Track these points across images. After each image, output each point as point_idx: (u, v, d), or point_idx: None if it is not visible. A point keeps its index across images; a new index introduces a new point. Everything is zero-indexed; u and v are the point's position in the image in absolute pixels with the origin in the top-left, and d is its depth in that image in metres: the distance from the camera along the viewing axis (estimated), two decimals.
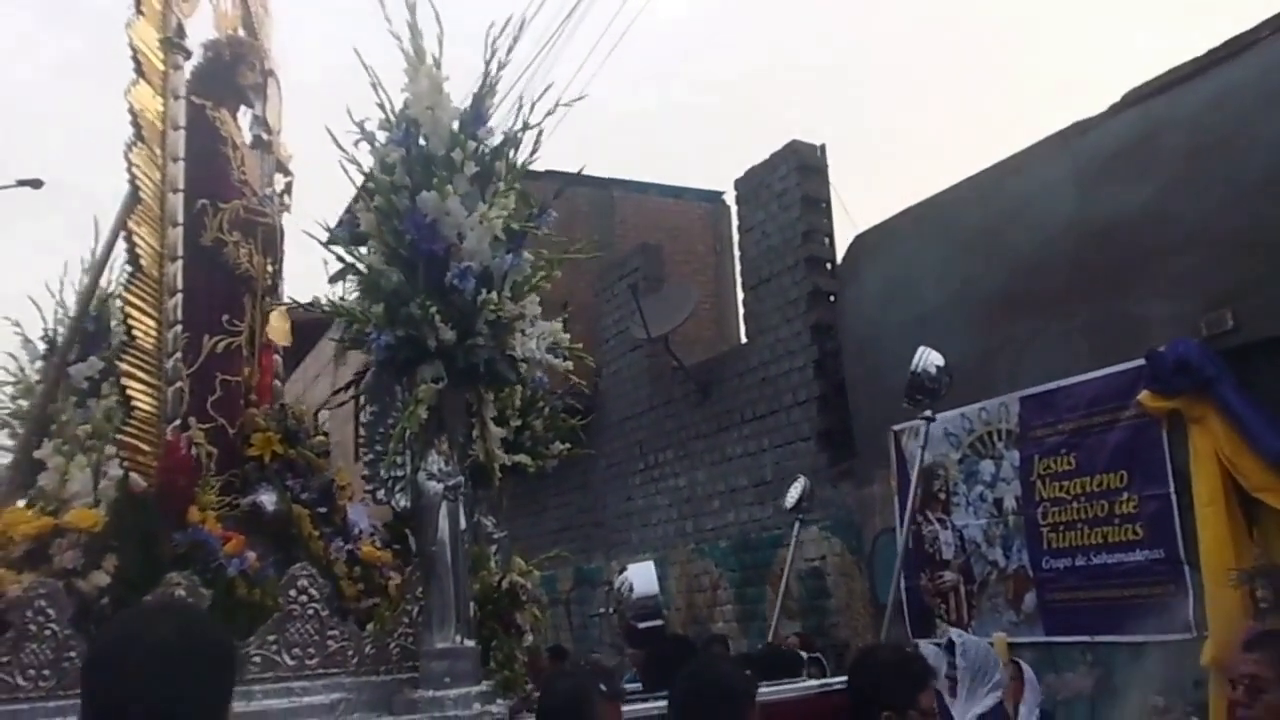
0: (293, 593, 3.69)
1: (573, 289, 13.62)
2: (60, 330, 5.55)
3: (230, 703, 1.61)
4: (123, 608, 3.48)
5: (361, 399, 4.31)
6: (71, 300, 5.54)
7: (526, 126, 3.54)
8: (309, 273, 4.29)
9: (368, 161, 3.57)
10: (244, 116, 5.11)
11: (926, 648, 5.72)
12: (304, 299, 4.41)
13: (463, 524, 3.55)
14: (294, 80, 5.35)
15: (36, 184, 16.60)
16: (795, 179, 10.93)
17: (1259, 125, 6.60)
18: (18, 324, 5.87)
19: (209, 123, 4.66)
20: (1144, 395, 6.87)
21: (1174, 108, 7.19)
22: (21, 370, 5.89)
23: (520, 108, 3.53)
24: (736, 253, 12.12)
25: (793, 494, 8.60)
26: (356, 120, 3.48)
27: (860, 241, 10.08)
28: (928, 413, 5.95)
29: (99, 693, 1.57)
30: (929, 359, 5.88)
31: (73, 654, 3.48)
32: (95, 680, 1.59)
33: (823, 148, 11.15)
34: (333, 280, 3.79)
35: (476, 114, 3.51)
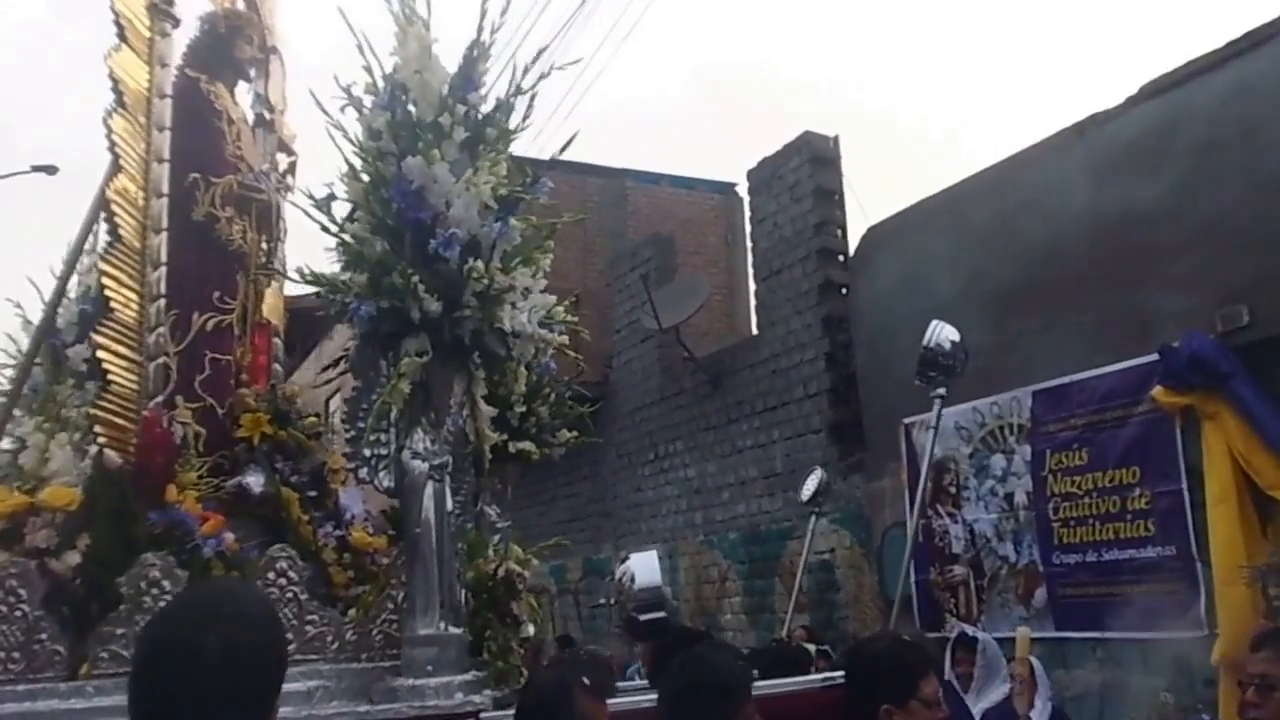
0: (271, 575, 3.57)
1: (584, 279, 13.57)
2: (58, 311, 5.47)
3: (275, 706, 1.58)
4: (96, 589, 3.40)
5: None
6: (72, 282, 5.47)
7: (520, 91, 3.41)
8: (316, 257, 4.18)
9: (356, 129, 3.45)
10: (246, 94, 5.02)
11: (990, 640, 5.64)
12: (295, 269, 4.26)
13: (449, 505, 3.41)
14: (297, 62, 5.25)
15: (51, 170, 16.62)
16: (808, 170, 10.82)
17: (1277, 119, 6.47)
18: (19, 305, 5.81)
19: (203, 96, 4.56)
20: (1157, 391, 6.78)
21: (1191, 101, 7.08)
22: (20, 352, 5.83)
23: (514, 72, 3.40)
24: (748, 244, 12.04)
25: (809, 486, 8.48)
26: (343, 85, 3.36)
27: (873, 234, 9.98)
28: (941, 391, 5.71)
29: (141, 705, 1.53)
30: (942, 333, 5.62)
31: (43, 636, 3.40)
32: (138, 691, 1.54)
33: (836, 139, 11.05)
34: (344, 268, 3.68)
35: (467, 78, 3.38)
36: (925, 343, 5.62)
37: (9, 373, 5.84)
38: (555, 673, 2.75)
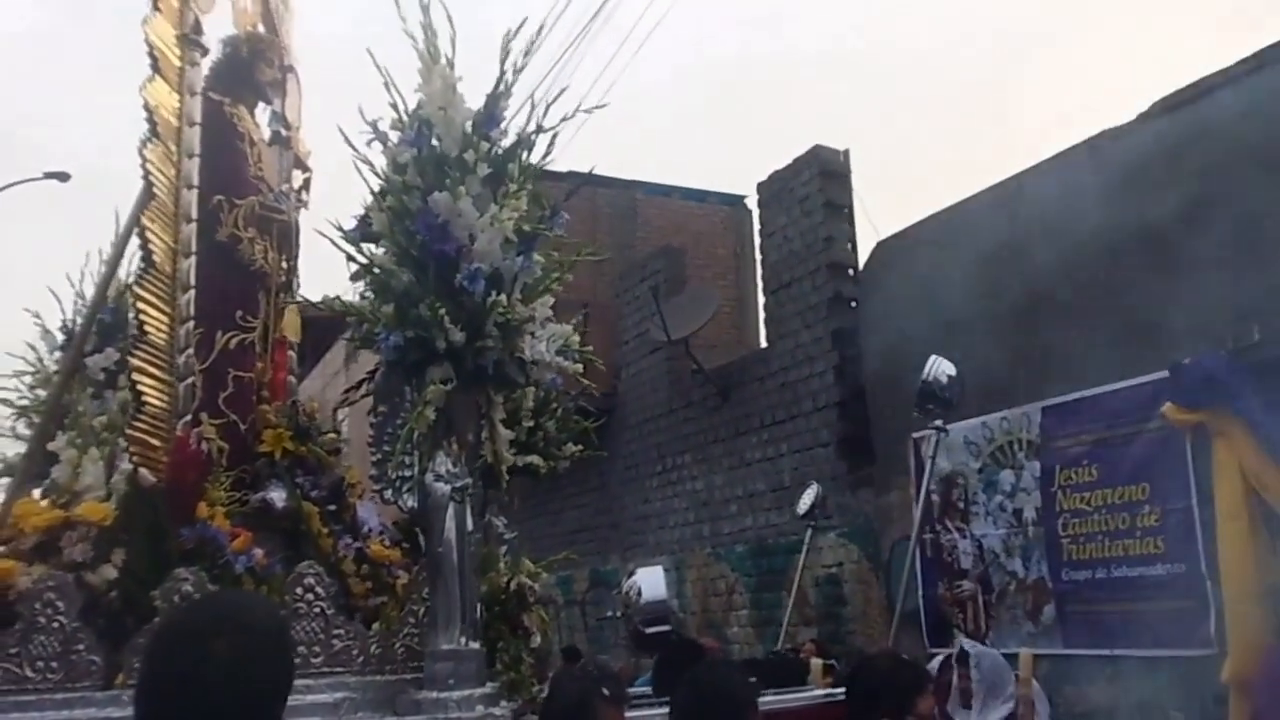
0: (299, 590, 3.69)
1: (594, 290, 13.65)
2: (79, 321, 5.57)
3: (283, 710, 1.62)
4: (131, 602, 3.51)
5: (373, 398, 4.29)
6: (91, 291, 5.56)
7: (540, 129, 3.53)
8: (332, 271, 4.30)
9: (381, 161, 3.57)
10: (263, 113, 5.12)
11: (987, 653, 5.68)
12: (323, 297, 4.37)
13: (470, 526, 3.54)
14: (314, 78, 5.35)
15: (64, 177, 16.82)
16: (818, 184, 10.87)
17: None
18: (37, 315, 5.91)
19: (226, 119, 4.67)
20: (1168, 408, 6.75)
21: (1204, 117, 7.10)
22: (40, 361, 5.93)
23: (533, 109, 3.51)
24: (758, 257, 12.08)
25: (805, 501, 8.57)
26: (369, 120, 3.47)
27: (883, 248, 10.03)
28: (938, 422, 5.86)
29: (148, 709, 1.57)
30: (940, 368, 5.80)
31: (80, 647, 3.51)
32: (146, 695, 1.58)
33: (846, 153, 11.10)
34: (353, 279, 3.79)
35: (490, 115, 3.50)
36: (924, 377, 5.77)
37: (27, 380, 5.95)
38: (577, 683, 2.86)
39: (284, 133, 5.09)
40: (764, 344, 12.14)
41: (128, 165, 4.53)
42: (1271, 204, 6.52)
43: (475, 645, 3.53)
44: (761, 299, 12.04)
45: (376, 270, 3.46)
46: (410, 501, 3.60)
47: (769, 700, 3.03)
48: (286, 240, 4.85)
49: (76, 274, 5.79)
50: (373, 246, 3.53)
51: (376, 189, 3.53)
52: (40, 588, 3.56)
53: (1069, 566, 7.59)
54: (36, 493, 4.45)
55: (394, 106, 3.52)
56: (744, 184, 17.77)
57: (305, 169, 5.25)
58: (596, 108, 3.62)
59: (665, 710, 3.42)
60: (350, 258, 3.51)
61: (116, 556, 3.62)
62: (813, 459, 10.47)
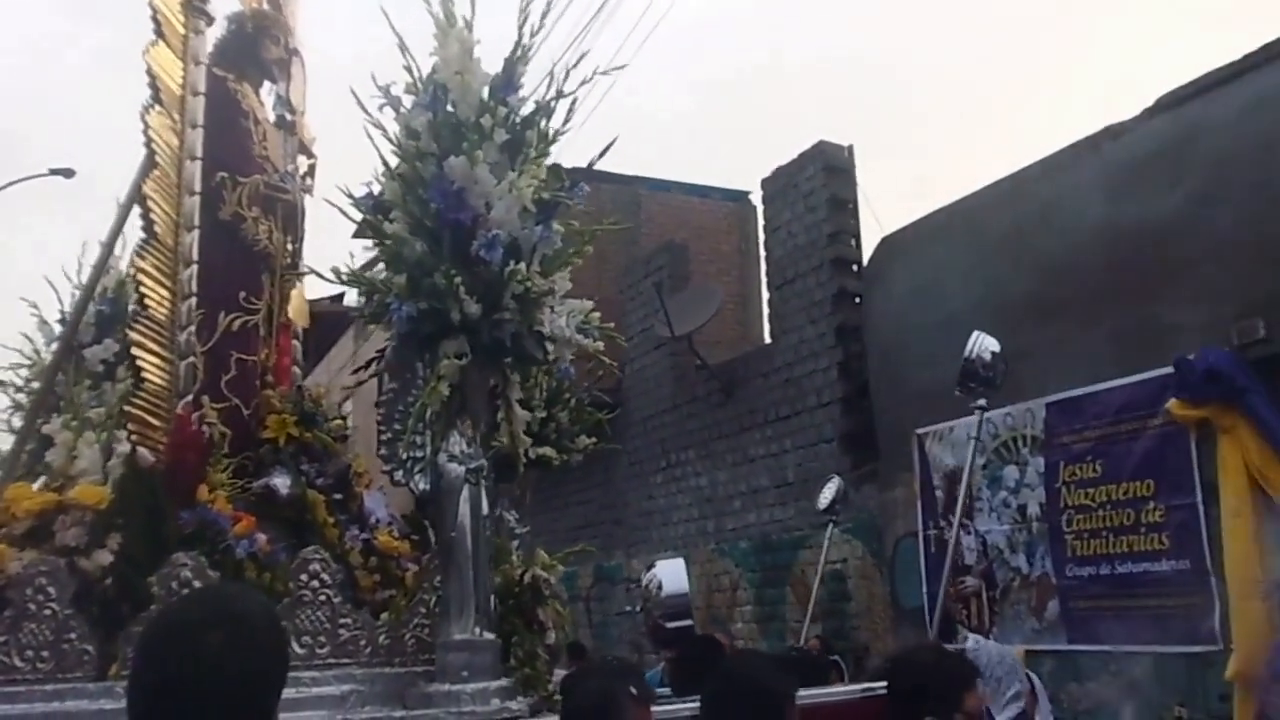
0: (304, 577, 3.54)
1: (598, 286, 13.56)
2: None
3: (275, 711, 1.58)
4: (126, 588, 3.37)
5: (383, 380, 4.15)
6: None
7: (560, 94, 3.40)
8: (338, 259, 4.16)
9: (394, 129, 3.43)
10: (267, 95, 5.02)
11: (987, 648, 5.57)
12: (331, 268, 4.21)
13: (485, 509, 3.39)
14: (323, 58, 5.26)
15: (69, 173, 16.75)
16: (822, 179, 10.87)
17: None
18: (34, 305, 5.82)
19: (230, 95, 4.54)
20: (1173, 404, 6.74)
21: (1208, 113, 7.09)
22: (37, 352, 5.84)
23: (553, 76, 3.39)
24: (762, 252, 12.07)
25: (826, 495, 8.46)
26: (382, 84, 3.34)
27: (887, 243, 10.00)
28: (981, 402, 5.68)
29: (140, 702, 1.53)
30: (984, 344, 5.60)
31: (73, 635, 3.37)
32: (138, 689, 1.54)
33: (850, 149, 11.09)
34: (365, 268, 3.66)
35: (508, 80, 3.36)
36: (966, 354, 5.60)
37: (24, 373, 5.86)
38: (602, 681, 2.73)
39: (289, 117, 4.98)
40: (768, 340, 12.11)
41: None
42: (1274, 200, 6.49)
43: (490, 636, 3.38)
44: (765, 295, 12.03)
45: (387, 240, 3.33)
46: (421, 484, 3.44)
47: (803, 695, 2.90)
48: (291, 222, 4.70)
49: (74, 264, 5.71)
50: (385, 218, 3.39)
51: (389, 156, 3.39)
52: (31, 573, 3.43)
53: (1073, 562, 7.56)
54: (37, 486, 4.33)
55: (408, 70, 3.39)
56: (748, 179, 17.73)
57: (310, 155, 5.14)
58: (616, 69, 3.49)
59: (675, 708, 3.31)
60: (363, 230, 3.37)
61: (112, 541, 3.47)
62: (817, 455, 10.43)
